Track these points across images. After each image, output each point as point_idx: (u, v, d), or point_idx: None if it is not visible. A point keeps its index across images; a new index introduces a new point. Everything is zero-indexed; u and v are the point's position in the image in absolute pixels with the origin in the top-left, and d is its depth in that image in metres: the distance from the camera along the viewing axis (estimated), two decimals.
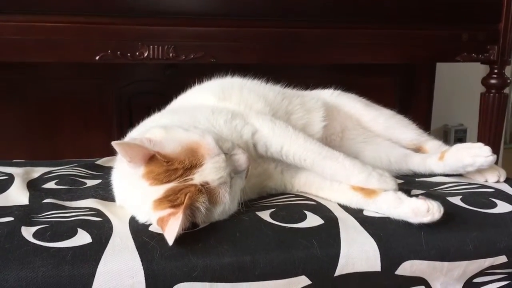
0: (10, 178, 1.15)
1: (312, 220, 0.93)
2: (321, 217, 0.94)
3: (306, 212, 0.95)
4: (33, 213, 0.92)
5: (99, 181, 1.16)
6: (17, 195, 1.03)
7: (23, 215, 0.91)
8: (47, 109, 2.13)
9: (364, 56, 1.99)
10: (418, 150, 1.29)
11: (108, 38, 1.71)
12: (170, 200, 0.85)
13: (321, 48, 1.94)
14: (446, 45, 2.02)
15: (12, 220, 0.88)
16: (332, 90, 1.38)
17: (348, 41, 1.93)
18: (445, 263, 0.91)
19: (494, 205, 1.02)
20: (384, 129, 1.30)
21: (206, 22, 1.79)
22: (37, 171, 1.23)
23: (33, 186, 1.11)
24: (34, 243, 0.80)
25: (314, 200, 1.03)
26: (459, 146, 1.15)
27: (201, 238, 0.85)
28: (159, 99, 1.98)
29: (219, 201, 0.89)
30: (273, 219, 0.92)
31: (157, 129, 0.92)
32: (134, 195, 0.90)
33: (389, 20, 1.96)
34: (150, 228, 0.87)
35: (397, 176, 1.23)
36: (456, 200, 1.03)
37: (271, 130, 1.05)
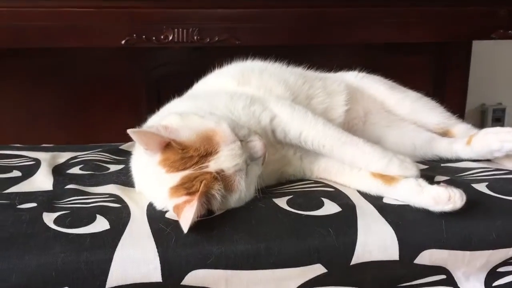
0: (37, 163, 1.18)
1: (329, 208, 0.92)
2: (338, 205, 0.93)
3: (324, 199, 0.94)
4: (56, 199, 0.95)
5: (121, 166, 1.18)
6: (42, 181, 1.06)
7: (46, 200, 0.94)
8: (79, 92, 2.16)
9: (394, 35, 1.94)
10: (445, 134, 1.25)
11: (133, 22, 1.72)
12: (185, 187, 0.86)
13: (348, 28, 1.90)
14: (481, 22, 1.94)
15: (35, 206, 0.91)
16: (357, 72, 1.35)
17: (378, 19, 1.88)
18: (467, 253, 0.89)
19: None
20: (410, 112, 1.26)
21: (230, 3, 1.78)
22: (63, 156, 1.26)
23: (58, 171, 1.14)
24: (55, 229, 0.82)
25: (333, 187, 1.01)
26: (487, 131, 1.10)
27: (216, 226, 0.85)
28: (186, 81, 1.99)
29: (234, 188, 0.89)
30: (290, 206, 0.92)
31: (173, 116, 0.92)
32: (151, 182, 0.92)
33: None
34: (167, 215, 0.88)
35: (422, 161, 1.20)
36: (481, 187, 1.00)
37: (290, 116, 1.04)
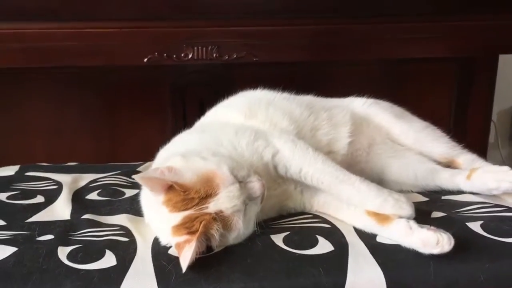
0: (59, 188, 1.28)
1: (323, 246, 0.97)
2: (332, 243, 0.97)
3: (319, 237, 0.99)
4: (72, 230, 1.03)
5: (136, 191, 1.25)
6: (62, 209, 1.15)
7: (63, 232, 1.02)
8: (106, 100, 2.24)
9: (414, 51, 1.94)
10: (450, 164, 1.28)
11: (154, 42, 1.80)
12: (186, 227, 0.92)
13: (367, 44, 1.92)
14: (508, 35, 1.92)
15: (52, 239, 0.99)
16: (365, 100, 1.38)
17: (397, 35, 1.89)
18: None
19: None
20: (414, 142, 1.29)
21: (248, 21, 1.82)
22: (85, 179, 1.35)
23: (77, 197, 1.23)
24: (67, 265, 0.90)
25: (330, 223, 1.06)
26: (486, 169, 1.13)
27: (214, 264, 0.91)
28: (211, 90, 2.05)
29: (233, 227, 0.95)
30: (285, 244, 0.97)
31: (177, 158, 0.99)
32: (156, 218, 0.99)
33: (440, 11, 1.89)
34: (170, 251, 0.95)
35: (424, 192, 1.23)
36: (476, 226, 1.03)
37: (292, 152, 1.09)
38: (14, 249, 0.95)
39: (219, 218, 0.93)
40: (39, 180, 1.34)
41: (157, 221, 0.98)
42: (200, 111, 2.04)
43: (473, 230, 1.01)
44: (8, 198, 1.21)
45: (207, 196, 0.94)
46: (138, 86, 2.26)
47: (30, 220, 1.09)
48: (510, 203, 1.13)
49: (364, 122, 1.32)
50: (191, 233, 0.91)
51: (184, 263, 0.87)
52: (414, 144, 1.29)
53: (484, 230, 1.01)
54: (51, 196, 1.22)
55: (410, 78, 2.28)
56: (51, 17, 1.74)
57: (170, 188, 0.94)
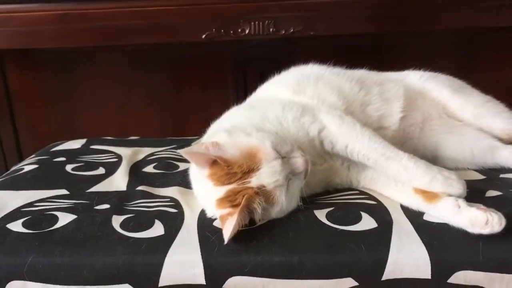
0: (119, 161, 1.35)
1: (366, 223, 0.96)
2: (376, 220, 0.96)
3: (363, 213, 0.99)
4: (126, 201, 1.10)
5: (189, 164, 1.30)
6: (119, 180, 1.22)
7: (118, 202, 1.09)
8: (170, 76, 2.31)
9: (484, 20, 1.83)
10: None
11: (212, 18, 1.82)
12: (230, 200, 0.95)
13: (437, 14, 1.83)
14: None
15: (107, 208, 1.06)
16: (422, 73, 1.33)
17: (471, 3, 1.78)
18: (506, 275, 0.89)
19: None
20: (473, 117, 1.23)
21: None
22: (143, 152, 1.42)
23: (135, 169, 1.29)
24: (120, 232, 0.96)
25: (376, 199, 1.05)
26: None
27: (256, 237, 0.94)
28: (272, 64, 2.05)
29: (275, 202, 0.96)
30: (328, 219, 0.97)
31: (222, 134, 1.01)
32: (202, 191, 1.02)
33: None
34: (215, 223, 0.98)
35: (482, 169, 1.18)
36: None
37: (338, 128, 1.08)
38: (74, 216, 1.02)
39: (262, 192, 0.95)
40: (102, 153, 1.43)
41: (203, 194, 1.02)
42: (261, 83, 2.08)
43: None
44: (73, 169, 1.30)
45: (250, 170, 0.95)
46: (201, 62, 2.30)
47: (90, 190, 1.17)
48: None
49: (419, 96, 1.27)
50: (234, 206, 0.94)
51: (226, 235, 0.90)
52: (473, 119, 1.23)
53: None
54: (111, 168, 1.30)
55: (485, 48, 2.14)
56: None
57: (214, 162, 0.97)
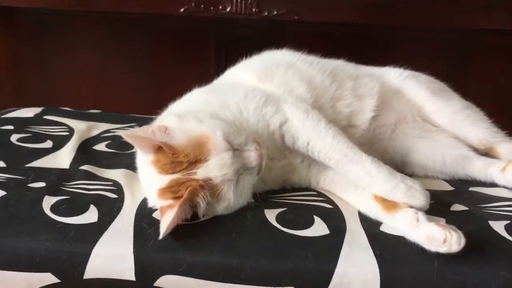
0: (70, 135, 1.26)
1: (318, 229, 0.88)
2: (328, 226, 0.89)
3: (316, 218, 0.91)
4: (65, 180, 1.01)
5: None
6: (64, 157, 1.13)
7: (55, 181, 1.00)
8: (151, 46, 2.21)
9: (478, 22, 1.75)
10: (489, 152, 1.13)
11: None
12: (172, 191, 0.87)
13: (425, 9, 1.74)
14: None
15: (42, 187, 0.97)
16: (401, 71, 1.24)
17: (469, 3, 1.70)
18: None
19: None
20: (449, 123, 1.15)
21: None
22: (99, 128, 1.33)
23: (84, 146, 1.20)
24: (48, 216, 0.88)
25: (333, 203, 0.97)
26: None
27: (196, 234, 0.86)
28: (255, 45, 1.96)
29: (222, 197, 0.88)
30: (278, 221, 0.90)
31: (172, 118, 0.92)
32: (145, 178, 0.94)
33: None
34: (154, 214, 0.90)
35: (451, 180, 1.11)
36: (499, 226, 0.90)
37: (302, 122, 1.00)
38: (3, 193, 0.94)
39: (207, 186, 0.87)
40: (54, 124, 1.34)
41: (146, 181, 0.94)
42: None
43: (494, 230, 0.89)
44: (18, 140, 1.21)
45: (197, 161, 0.87)
46: (183, 37, 2.20)
47: (29, 165, 1.08)
48: None
49: (395, 95, 1.19)
50: (176, 198, 0.86)
51: (163, 229, 0.82)
52: (449, 126, 1.15)
53: (508, 232, 0.89)
54: (59, 143, 1.21)
55: (475, 49, 2.06)
56: None
57: (159, 148, 0.89)
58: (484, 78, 2.05)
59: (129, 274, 0.82)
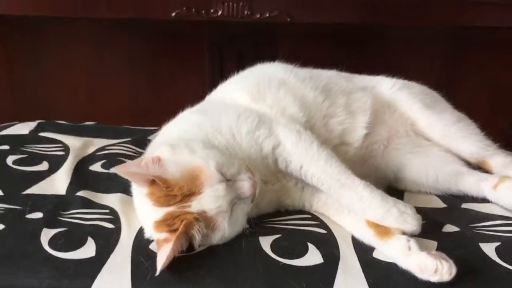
0: (66, 154, 1.26)
1: (312, 257, 0.90)
2: (322, 255, 0.90)
3: (310, 245, 0.92)
4: (62, 209, 1.02)
5: None
6: (60, 181, 1.13)
7: (53, 210, 1.01)
8: (146, 46, 2.18)
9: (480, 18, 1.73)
10: (481, 165, 1.14)
11: None
12: (168, 224, 0.88)
13: (422, 8, 1.72)
14: None
15: (40, 218, 0.98)
16: (394, 82, 1.24)
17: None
18: None
19: None
20: (441, 137, 1.15)
21: None
22: (94, 145, 1.33)
23: (80, 167, 1.21)
24: (46, 251, 0.89)
25: (327, 228, 0.99)
26: None
27: (193, 266, 0.87)
28: (250, 42, 1.94)
29: (216, 228, 0.90)
30: (272, 249, 0.91)
31: (165, 148, 0.93)
32: (140, 209, 0.95)
33: None
34: (151, 246, 0.91)
35: (444, 196, 1.12)
36: (490, 249, 0.92)
37: (294, 145, 1.00)
38: (1, 226, 0.95)
39: (202, 218, 0.88)
40: (49, 142, 1.34)
41: (141, 212, 0.95)
42: (239, 62, 1.97)
43: (485, 254, 0.91)
44: (14, 162, 1.21)
45: (191, 194, 0.88)
46: (178, 37, 2.18)
47: (26, 192, 1.09)
48: None
49: (388, 109, 1.19)
50: (172, 231, 0.87)
51: (159, 264, 0.84)
52: (441, 140, 1.16)
53: (498, 255, 0.91)
54: (56, 164, 1.21)
55: (472, 45, 2.04)
56: None
57: (153, 181, 0.89)
58: (479, 72, 2.04)
59: None
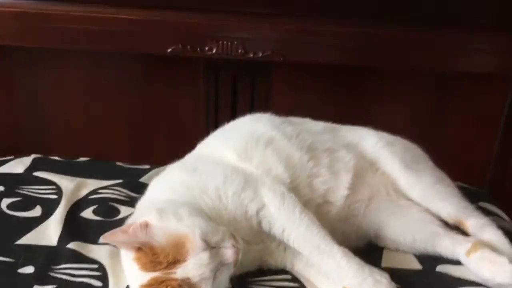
0: (58, 198, 1.30)
1: None
2: None
3: None
4: (53, 263, 1.07)
5: (132, 210, 1.26)
6: (52, 230, 1.17)
7: (44, 264, 1.06)
8: (140, 68, 2.20)
9: (457, 64, 1.77)
10: (458, 225, 1.19)
11: (178, 32, 1.74)
12: None
13: (408, 52, 1.77)
14: None
15: (30, 274, 1.03)
16: (378, 139, 1.28)
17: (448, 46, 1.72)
18: None
19: None
20: (420, 199, 1.20)
21: (276, 20, 1.72)
22: (87, 187, 1.37)
23: (72, 213, 1.25)
24: None
25: None
26: (485, 254, 1.04)
27: None
28: (246, 67, 1.96)
29: None
30: None
31: (153, 214, 0.97)
32: (127, 270, 0.99)
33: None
34: None
35: (421, 256, 1.17)
36: None
37: (277, 209, 1.05)
38: None
39: (186, 284, 0.92)
40: (43, 183, 1.38)
41: (128, 274, 0.99)
42: (233, 85, 2.01)
43: None
44: (8, 207, 1.25)
45: (176, 261, 0.92)
46: (172, 60, 2.20)
47: (19, 242, 1.13)
48: None
49: (370, 168, 1.24)
50: None
51: None
52: (420, 200, 1.20)
53: None
54: (48, 208, 1.26)
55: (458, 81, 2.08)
56: (77, 0, 1.71)
57: (140, 247, 0.94)
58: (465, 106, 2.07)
59: None
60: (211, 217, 1.01)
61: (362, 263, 0.99)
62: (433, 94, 2.01)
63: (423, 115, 2.01)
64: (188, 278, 0.92)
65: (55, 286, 1.00)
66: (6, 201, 1.27)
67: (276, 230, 1.05)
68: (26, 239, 1.14)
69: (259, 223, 1.06)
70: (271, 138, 1.19)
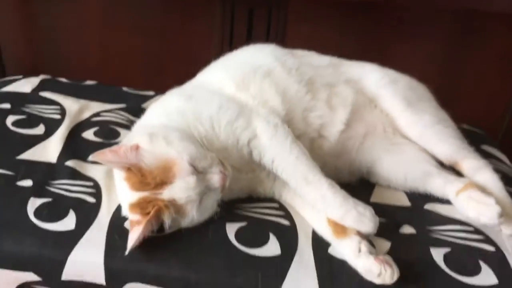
0: (62, 118, 1.33)
1: (271, 248, 0.98)
2: (281, 246, 0.98)
3: (272, 235, 1.00)
4: (51, 178, 1.11)
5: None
6: (53, 147, 1.21)
7: (42, 179, 1.10)
8: (156, 4, 2.18)
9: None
10: (454, 166, 1.18)
11: None
12: (141, 207, 0.96)
13: None
14: None
15: (29, 187, 1.07)
16: (382, 76, 1.25)
17: None
18: None
19: (477, 272, 0.96)
20: (419, 138, 1.19)
21: None
22: (90, 110, 1.40)
23: (74, 133, 1.28)
24: (31, 221, 0.99)
25: (291, 219, 1.06)
26: (473, 194, 1.04)
27: (160, 248, 0.96)
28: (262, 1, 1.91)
29: (186, 214, 0.97)
30: (236, 238, 0.99)
31: (144, 138, 0.99)
32: (119, 189, 1.02)
33: None
34: (126, 224, 1.00)
35: (411, 193, 1.17)
36: (439, 255, 0.99)
37: (269, 140, 1.06)
38: None
39: (172, 205, 0.95)
40: (49, 103, 1.41)
41: (120, 192, 1.02)
42: (249, 17, 1.98)
43: (434, 260, 0.97)
44: (13, 123, 1.29)
45: (163, 183, 0.95)
46: None
47: (20, 156, 1.17)
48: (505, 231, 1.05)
49: (369, 105, 1.22)
50: (144, 214, 0.95)
51: (130, 244, 0.92)
52: (418, 139, 1.19)
53: (445, 262, 0.97)
54: (51, 128, 1.29)
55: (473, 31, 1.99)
56: None
57: (130, 168, 0.96)
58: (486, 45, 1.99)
59: (100, 279, 0.95)
60: (203, 145, 1.02)
61: (347, 196, 1.00)
62: (453, 30, 1.94)
63: (442, 53, 1.95)
64: (174, 200, 0.95)
65: (50, 199, 1.05)
66: (12, 118, 1.31)
67: (266, 160, 1.06)
68: (28, 155, 1.18)
69: (250, 153, 1.07)
70: (271, 69, 1.18)
